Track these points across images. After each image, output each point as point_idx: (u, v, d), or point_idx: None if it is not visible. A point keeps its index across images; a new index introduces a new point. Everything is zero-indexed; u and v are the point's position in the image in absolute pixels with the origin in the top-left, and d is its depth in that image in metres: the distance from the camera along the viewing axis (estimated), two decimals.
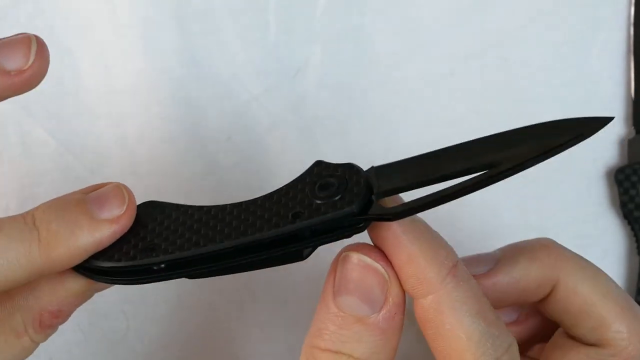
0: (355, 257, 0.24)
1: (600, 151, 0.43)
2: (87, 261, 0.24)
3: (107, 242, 0.24)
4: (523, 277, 0.27)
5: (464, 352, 0.23)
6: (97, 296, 0.42)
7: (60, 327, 0.30)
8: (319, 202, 0.23)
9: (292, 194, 0.24)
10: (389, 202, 0.24)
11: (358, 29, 0.41)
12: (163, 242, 0.24)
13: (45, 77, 0.41)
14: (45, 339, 0.26)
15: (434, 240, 0.24)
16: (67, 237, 0.23)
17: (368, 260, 0.24)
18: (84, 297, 0.26)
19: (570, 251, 0.28)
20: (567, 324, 0.28)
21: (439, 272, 0.23)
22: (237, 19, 0.41)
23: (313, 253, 0.25)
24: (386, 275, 0.24)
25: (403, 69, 0.42)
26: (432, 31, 0.42)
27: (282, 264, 0.25)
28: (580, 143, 0.46)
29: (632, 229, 0.42)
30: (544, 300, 0.28)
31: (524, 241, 0.29)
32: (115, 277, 0.25)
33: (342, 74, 0.42)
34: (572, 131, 0.23)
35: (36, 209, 0.24)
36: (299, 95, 0.41)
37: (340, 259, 0.24)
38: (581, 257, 0.28)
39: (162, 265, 0.24)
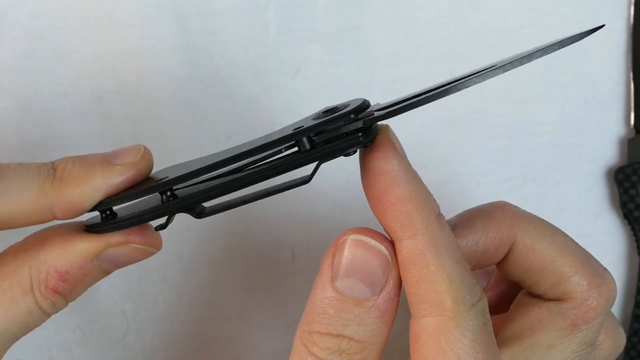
0: (358, 239, 0.24)
1: (600, 151, 0.43)
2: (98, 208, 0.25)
3: (119, 187, 0.25)
4: (481, 238, 0.28)
5: (444, 295, 0.23)
6: (97, 295, 0.43)
7: (60, 326, 0.30)
8: (320, 119, 0.24)
9: (293, 124, 0.25)
10: (383, 135, 0.24)
11: (358, 29, 0.41)
12: (170, 175, 0.25)
13: (45, 77, 0.41)
14: (52, 309, 0.26)
15: (425, 186, 0.24)
16: (81, 176, 0.25)
17: (372, 241, 0.24)
18: (100, 269, 0.26)
19: (526, 211, 0.29)
20: (528, 283, 0.28)
21: (429, 214, 0.24)
22: (237, 19, 0.41)
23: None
24: (389, 257, 0.24)
25: (403, 69, 0.42)
26: (432, 31, 0.42)
27: (290, 188, 0.25)
28: (580, 143, 0.46)
29: (632, 229, 0.42)
30: (504, 261, 0.28)
31: (479, 205, 0.29)
32: (125, 220, 0.25)
33: (342, 74, 0.42)
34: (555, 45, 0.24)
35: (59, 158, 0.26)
36: (299, 95, 0.41)
37: (339, 244, 0.24)
38: (537, 217, 0.29)
39: (169, 194, 0.24)
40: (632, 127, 0.42)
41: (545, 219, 0.40)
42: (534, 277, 0.28)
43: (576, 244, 0.29)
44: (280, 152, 0.24)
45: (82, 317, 0.42)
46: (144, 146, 0.26)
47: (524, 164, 0.43)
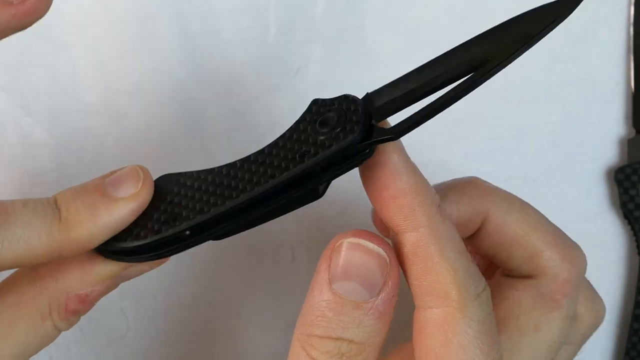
0: (355, 242, 0.24)
1: (600, 151, 0.43)
2: (112, 244, 0.25)
3: (127, 220, 0.24)
4: (453, 211, 0.28)
5: (449, 286, 0.23)
6: None
7: None
8: (322, 137, 0.24)
9: (295, 136, 0.24)
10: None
11: (358, 29, 0.41)
12: (183, 210, 0.25)
13: (45, 78, 0.41)
14: (68, 327, 0.26)
15: (425, 179, 0.25)
16: (86, 216, 0.24)
17: (369, 244, 0.24)
18: (113, 284, 0.26)
19: (497, 187, 0.29)
20: (501, 258, 0.29)
21: (431, 206, 0.24)
22: (237, 19, 0.41)
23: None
24: (387, 259, 0.24)
25: (403, 69, 0.42)
26: (432, 31, 0.42)
27: (302, 205, 0.25)
28: (580, 143, 0.46)
29: (632, 229, 0.42)
30: (476, 235, 0.29)
31: (452, 179, 0.29)
32: (144, 254, 0.25)
33: (342, 74, 0.42)
34: (551, 14, 0.24)
35: (58, 193, 0.25)
36: (299, 95, 0.41)
37: (336, 246, 0.24)
38: (509, 193, 0.29)
39: (187, 233, 0.24)
40: (632, 127, 0.42)
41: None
42: (506, 251, 0.28)
43: (547, 220, 0.29)
44: (293, 187, 0.24)
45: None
46: (142, 170, 0.25)
47: (524, 164, 0.43)
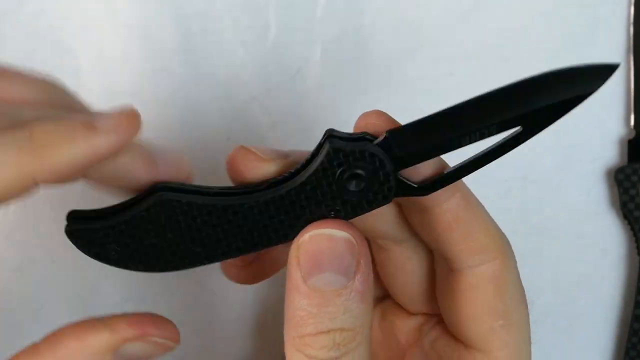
0: (316, 234, 0.24)
1: (600, 151, 0.43)
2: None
3: (105, 153, 0.23)
4: None
5: (497, 239, 0.26)
6: (98, 297, 0.42)
7: None
8: (353, 198, 0.23)
9: (316, 183, 0.23)
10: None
11: (358, 29, 0.41)
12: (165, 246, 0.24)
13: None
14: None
15: None
16: (62, 140, 0.22)
17: (332, 231, 0.24)
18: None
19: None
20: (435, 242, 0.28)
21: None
22: (237, 19, 0.41)
23: None
24: (353, 239, 0.24)
25: (403, 69, 0.42)
26: (432, 31, 0.42)
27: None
28: (580, 143, 0.46)
29: (632, 229, 0.42)
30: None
31: None
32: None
33: (342, 74, 0.42)
34: (582, 86, 0.23)
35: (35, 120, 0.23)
36: (299, 95, 0.41)
37: (300, 244, 0.24)
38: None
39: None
40: (632, 127, 0.42)
41: (546, 219, 0.40)
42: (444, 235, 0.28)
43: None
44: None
45: (80, 317, 0.42)
46: (132, 108, 0.24)
47: (524, 164, 0.43)
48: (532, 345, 0.27)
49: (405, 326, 0.31)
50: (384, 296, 0.31)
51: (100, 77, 0.41)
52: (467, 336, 0.27)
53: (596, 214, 0.43)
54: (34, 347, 0.25)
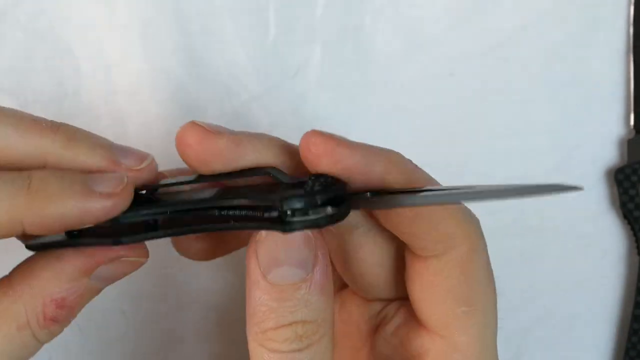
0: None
1: (600, 151, 0.43)
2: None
3: (96, 215, 0.23)
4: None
5: (465, 226, 0.25)
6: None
7: None
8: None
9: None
10: None
11: (358, 29, 0.41)
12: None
13: (49, 81, 0.41)
14: (49, 337, 0.25)
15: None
16: (58, 195, 0.23)
17: None
18: (93, 288, 0.25)
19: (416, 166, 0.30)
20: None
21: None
22: (237, 19, 0.41)
23: None
24: (309, 232, 0.24)
25: (403, 69, 0.42)
26: (432, 31, 0.42)
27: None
28: (580, 143, 0.46)
29: (632, 229, 0.42)
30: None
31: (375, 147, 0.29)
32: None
33: (342, 74, 0.42)
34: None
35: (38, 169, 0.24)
36: (299, 95, 0.41)
37: (257, 240, 0.24)
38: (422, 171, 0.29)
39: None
40: (632, 127, 0.42)
41: (546, 219, 0.40)
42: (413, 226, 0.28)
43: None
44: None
45: (80, 316, 0.41)
46: (128, 176, 0.25)
47: (524, 165, 0.43)
48: (532, 345, 0.27)
49: (365, 314, 0.30)
50: (341, 285, 0.31)
51: (100, 77, 0.41)
52: (429, 321, 0.27)
53: (596, 214, 0.43)
54: (7, 281, 0.24)
